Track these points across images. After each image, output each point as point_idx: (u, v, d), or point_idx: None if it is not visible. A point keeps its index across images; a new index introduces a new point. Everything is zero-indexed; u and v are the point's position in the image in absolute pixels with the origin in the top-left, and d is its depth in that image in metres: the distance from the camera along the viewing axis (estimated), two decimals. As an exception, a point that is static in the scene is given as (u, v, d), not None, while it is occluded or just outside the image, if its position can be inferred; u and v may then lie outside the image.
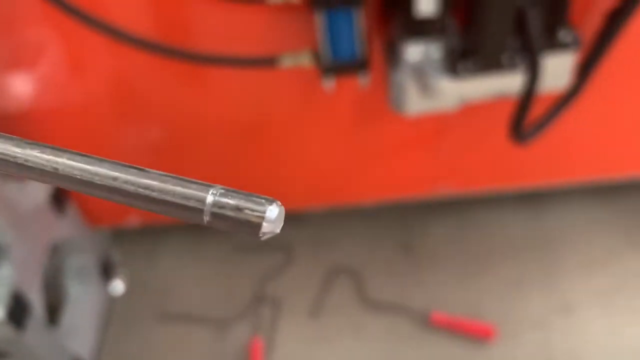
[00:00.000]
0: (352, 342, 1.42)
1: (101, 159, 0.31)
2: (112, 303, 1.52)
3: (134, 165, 0.31)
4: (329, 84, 1.13)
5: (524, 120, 1.10)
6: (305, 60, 1.11)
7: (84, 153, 0.31)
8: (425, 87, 1.07)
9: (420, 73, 1.06)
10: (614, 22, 1.08)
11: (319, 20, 1.03)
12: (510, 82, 1.08)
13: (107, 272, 1.51)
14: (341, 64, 1.09)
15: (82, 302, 1.42)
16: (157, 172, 0.30)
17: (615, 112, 1.33)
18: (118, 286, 1.53)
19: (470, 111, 1.22)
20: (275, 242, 1.58)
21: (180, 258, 1.61)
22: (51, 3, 1.03)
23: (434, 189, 1.48)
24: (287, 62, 1.12)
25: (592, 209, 1.59)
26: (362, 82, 1.14)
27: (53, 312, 1.35)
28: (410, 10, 0.99)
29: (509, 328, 1.39)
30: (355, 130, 1.31)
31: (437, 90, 1.06)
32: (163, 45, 1.11)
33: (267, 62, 1.13)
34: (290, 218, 1.61)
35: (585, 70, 1.14)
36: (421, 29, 1.02)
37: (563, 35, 1.08)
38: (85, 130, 1.33)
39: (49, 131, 1.30)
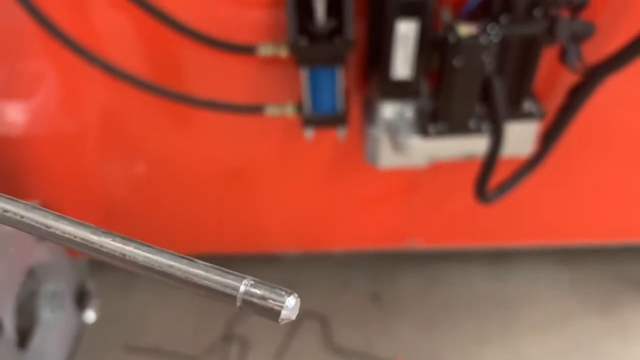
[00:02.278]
0: (315, 386, 1.45)
1: (161, 249, 0.38)
2: (82, 331, 1.53)
3: (185, 256, 0.37)
4: (309, 134, 1.20)
5: (487, 182, 1.17)
6: (289, 111, 1.19)
7: (146, 243, 0.38)
8: (397, 144, 1.14)
9: (393, 130, 1.14)
10: (575, 97, 1.16)
11: (304, 75, 1.10)
12: (478, 145, 1.16)
13: (81, 300, 1.53)
14: (321, 117, 1.16)
15: (54, 328, 1.43)
16: (203, 262, 0.37)
17: (576, 181, 1.41)
18: (90, 315, 1.55)
19: (440, 168, 1.29)
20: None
21: (153, 292, 1.64)
22: (52, 36, 1.08)
23: (403, 242, 1.54)
24: (272, 111, 1.19)
25: (553, 272, 1.65)
26: (340, 134, 1.21)
27: (23, 335, 1.37)
28: (388, 73, 1.07)
29: (467, 381, 1.44)
30: (332, 179, 1.38)
31: (408, 147, 1.14)
32: (156, 85, 1.17)
33: (254, 109, 1.20)
34: (264, 259, 1.66)
35: (548, 140, 1.23)
36: (397, 90, 1.10)
37: (528, 105, 1.16)
38: (73, 159, 1.37)
39: (39, 157, 1.35)
